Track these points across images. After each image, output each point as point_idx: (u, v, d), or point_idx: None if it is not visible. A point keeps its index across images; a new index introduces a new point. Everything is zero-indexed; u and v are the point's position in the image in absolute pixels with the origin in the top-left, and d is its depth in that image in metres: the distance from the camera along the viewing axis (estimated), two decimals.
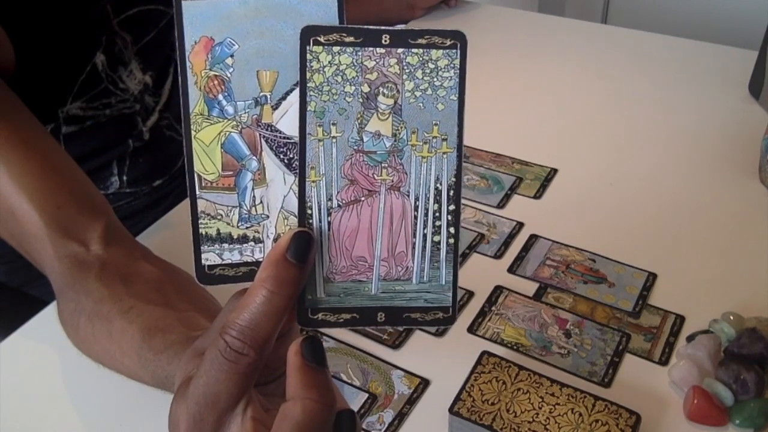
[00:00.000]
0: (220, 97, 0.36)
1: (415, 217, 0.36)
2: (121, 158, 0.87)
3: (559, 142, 0.92)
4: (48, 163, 0.61)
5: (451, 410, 0.55)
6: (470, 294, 0.69)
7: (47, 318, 0.67)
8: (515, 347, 0.64)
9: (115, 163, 0.86)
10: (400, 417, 0.58)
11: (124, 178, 0.88)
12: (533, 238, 0.76)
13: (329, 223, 0.36)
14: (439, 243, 0.36)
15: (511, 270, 0.72)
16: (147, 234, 0.78)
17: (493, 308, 0.68)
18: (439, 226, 0.36)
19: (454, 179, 0.36)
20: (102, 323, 0.54)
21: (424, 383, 0.61)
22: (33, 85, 0.71)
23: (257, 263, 0.37)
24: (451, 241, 0.36)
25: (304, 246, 0.34)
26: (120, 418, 0.59)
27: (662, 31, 1.17)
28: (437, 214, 0.36)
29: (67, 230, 0.59)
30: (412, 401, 0.59)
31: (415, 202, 0.36)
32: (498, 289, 0.70)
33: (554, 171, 0.86)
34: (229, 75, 0.36)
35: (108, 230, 0.60)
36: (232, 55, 0.35)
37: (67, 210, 0.60)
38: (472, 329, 0.66)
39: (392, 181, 0.36)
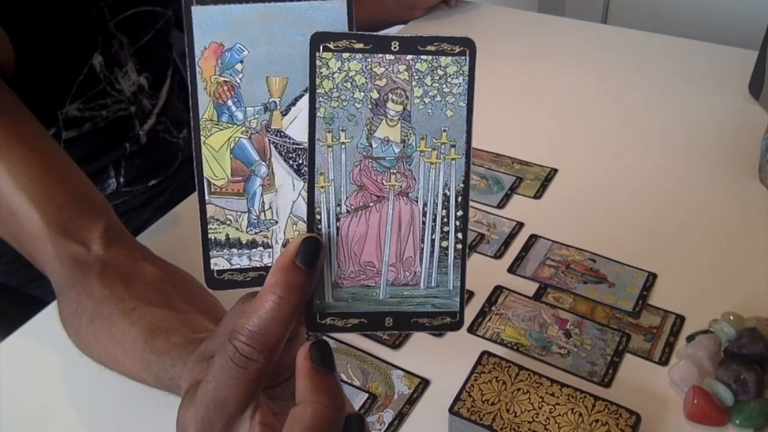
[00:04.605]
0: (230, 102, 0.36)
1: (423, 223, 0.36)
2: (117, 161, 0.87)
3: (559, 142, 0.92)
4: (48, 163, 0.61)
5: (451, 410, 0.56)
6: (470, 294, 0.69)
7: (47, 318, 0.67)
8: (515, 347, 0.64)
9: (111, 165, 0.86)
10: (400, 417, 0.58)
11: (121, 179, 0.88)
12: (533, 238, 0.76)
13: (338, 228, 0.36)
14: (446, 248, 0.36)
15: (511, 270, 0.72)
16: (147, 234, 0.78)
17: (493, 308, 0.68)
18: (447, 232, 0.36)
19: (462, 185, 0.36)
20: (104, 324, 0.54)
21: (424, 383, 0.61)
22: (31, 87, 0.71)
23: (266, 268, 0.37)
24: (459, 246, 0.36)
25: (313, 251, 0.34)
26: (120, 418, 0.59)
27: (662, 31, 1.17)
28: (445, 220, 0.36)
29: (68, 231, 0.59)
30: (412, 401, 0.59)
31: (423, 208, 0.36)
32: (498, 289, 0.70)
33: (554, 171, 0.86)
34: (238, 81, 0.36)
35: (108, 230, 0.60)
36: (241, 61, 0.35)
37: (67, 210, 0.60)
38: (472, 329, 0.66)
39: (401, 186, 0.36)
